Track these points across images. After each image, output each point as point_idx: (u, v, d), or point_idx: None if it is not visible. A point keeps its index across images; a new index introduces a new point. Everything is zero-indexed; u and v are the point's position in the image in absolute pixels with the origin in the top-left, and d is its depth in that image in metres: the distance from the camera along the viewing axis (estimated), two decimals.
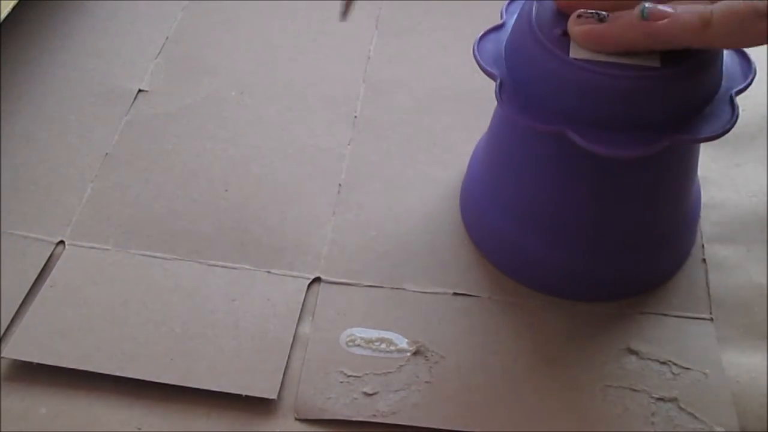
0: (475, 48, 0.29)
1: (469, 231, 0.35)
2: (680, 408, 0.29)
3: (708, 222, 0.35)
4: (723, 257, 0.34)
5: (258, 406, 0.29)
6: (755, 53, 0.29)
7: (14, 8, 0.41)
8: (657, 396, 0.29)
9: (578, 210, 0.31)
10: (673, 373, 0.30)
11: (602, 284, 0.32)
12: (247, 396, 0.29)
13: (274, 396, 0.29)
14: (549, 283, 0.33)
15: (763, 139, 0.39)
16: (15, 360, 0.30)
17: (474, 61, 0.29)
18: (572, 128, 0.26)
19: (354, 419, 0.29)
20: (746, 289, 0.33)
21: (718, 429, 0.29)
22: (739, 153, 0.38)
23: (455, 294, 0.33)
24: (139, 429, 0.29)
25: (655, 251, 0.32)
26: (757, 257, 0.34)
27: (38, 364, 0.30)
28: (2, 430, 0.29)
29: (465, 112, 0.40)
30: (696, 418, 0.29)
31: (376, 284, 0.33)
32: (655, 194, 0.30)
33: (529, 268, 0.33)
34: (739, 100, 0.31)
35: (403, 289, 0.33)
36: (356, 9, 0.45)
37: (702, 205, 0.35)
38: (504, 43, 0.30)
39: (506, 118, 0.30)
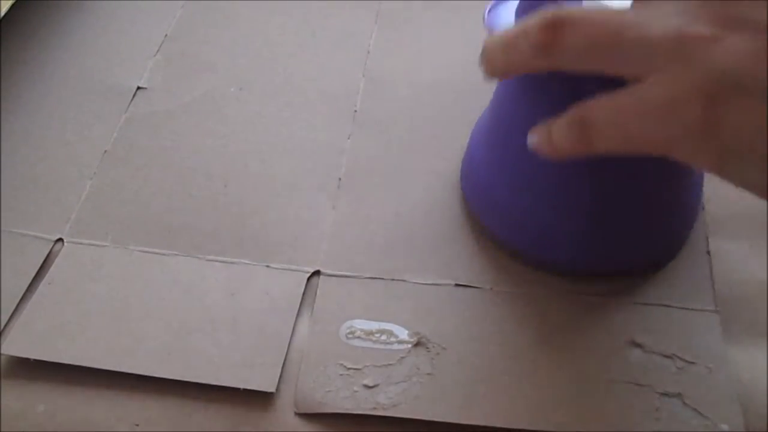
0: (485, 16, 0.29)
1: (471, 207, 0.34)
2: (684, 404, 0.29)
3: (710, 216, 0.35)
4: (725, 252, 0.33)
5: (257, 400, 0.29)
6: None
7: (13, 6, 0.41)
8: (661, 391, 0.29)
9: (582, 179, 0.30)
10: (677, 368, 0.30)
11: (606, 256, 0.32)
12: (246, 391, 0.29)
13: (272, 389, 0.29)
14: (555, 256, 0.32)
15: None
16: (12, 357, 0.30)
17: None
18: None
19: (354, 412, 0.28)
20: (749, 285, 0.32)
21: (723, 426, 0.28)
22: None
23: (457, 285, 0.32)
24: (137, 425, 0.29)
25: (658, 221, 0.32)
26: (759, 253, 0.33)
27: (36, 362, 0.30)
28: (1, 429, 0.28)
29: (465, 104, 0.40)
30: (700, 414, 0.28)
31: (377, 276, 0.33)
32: (658, 162, 0.30)
33: (535, 239, 0.32)
34: None
35: (404, 280, 0.32)
36: (356, 4, 0.45)
37: (705, 200, 0.34)
38: (513, 13, 0.29)
39: (509, 92, 0.29)
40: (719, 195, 0.36)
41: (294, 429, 0.29)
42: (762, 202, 0.35)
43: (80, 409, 0.29)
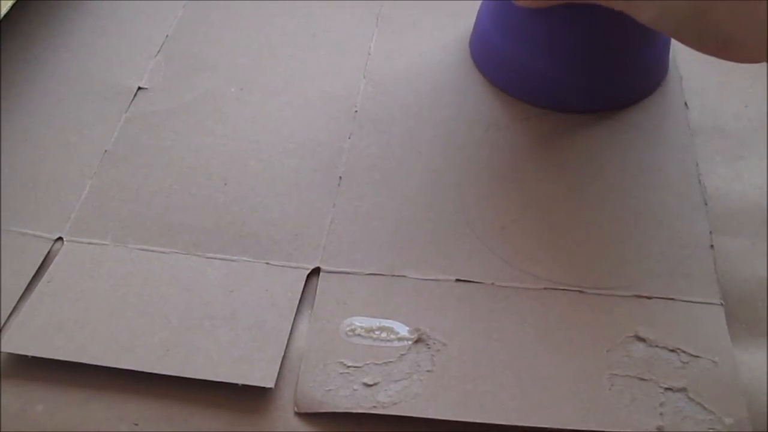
0: None
1: (479, 64, 0.42)
2: (689, 398, 0.28)
3: (713, 213, 0.34)
4: (728, 249, 0.33)
5: (257, 400, 0.29)
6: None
7: (13, 7, 0.41)
8: (666, 386, 0.29)
9: (570, 29, 0.37)
10: (682, 362, 0.29)
11: (592, 92, 0.39)
12: (246, 390, 0.29)
13: (271, 384, 0.28)
14: (543, 95, 0.39)
15: (765, 133, 0.38)
16: (11, 357, 0.30)
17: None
18: None
19: (354, 411, 0.28)
20: (751, 283, 0.32)
21: (728, 420, 0.28)
22: (743, 146, 0.38)
23: (458, 281, 0.32)
24: (136, 424, 0.28)
25: (635, 60, 0.39)
26: (761, 251, 0.33)
27: (34, 361, 0.29)
28: (1, 428, 0.28)
29: (466, 105, 0.40)
30: (705, 408, 0.28)
31: (377, 272, 0.32)
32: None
33: (532, 83, 0.39)
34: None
35: (405, 276, 0.32)
36: (357, 7, 0.45)
37: (707, 196, 0.35)
38: None
39: None
40: (721, 193, 0.35)
41: (294, 429, 0.28)
42: (763, 202, 0.35)
43: (79, 408, 0.29)
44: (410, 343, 0.30)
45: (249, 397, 0.29)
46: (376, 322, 0.31)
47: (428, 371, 0.29)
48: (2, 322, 0.31)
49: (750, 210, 0.35)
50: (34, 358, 0.29)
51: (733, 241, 0.33)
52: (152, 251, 0.33)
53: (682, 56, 0.42)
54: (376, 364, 0.29)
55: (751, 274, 0.32)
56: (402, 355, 0.30)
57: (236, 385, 0.29)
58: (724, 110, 0.39)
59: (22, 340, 0.30)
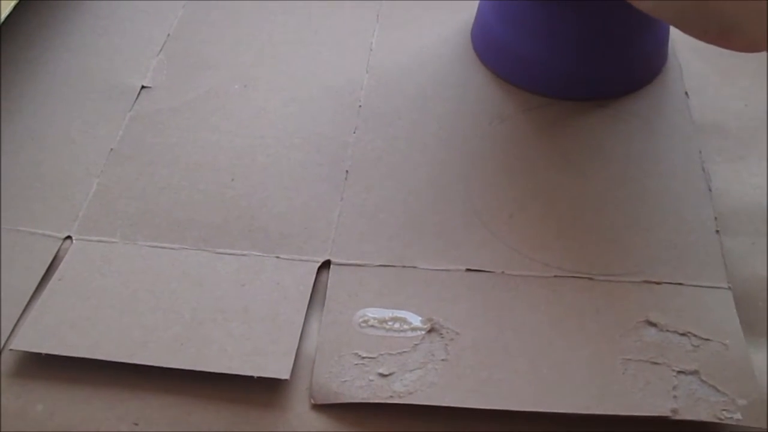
0: None
1: (480, 54, 0.42)
2: (702, 380, 0.29)
3: (714, 213, 0.35)
4: (728, 248, 0.33)
5: (271, 395, 0.29)
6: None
7: (14, 8, 0.41)
8: (678, 369, 0.29)
9: (571, 17, 0.38)
10: (693, 345, 0.30)
11: (593, 80, 0.39)
12: (258, 384, 0.28)
13: (286, 376, 0.28)
14: (544, 83, 0.39)
15: (765, 132, 0.38)
16: (11, 356, 0.30)
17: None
18: None
19: (371, 402, 0.28)
20: (751, 282, 0.32)
21: (741, 402, 0.28)
22: (744, 146, 0.38)
23: (468, 270, 0.32)
24: (136, 424, 0.28)
25: (635, 44, 0.39)
26: (761, 250, 0.33)
27: (34, 360, 0.29)
28: (0, 429, 0.28)
29: (469, 97, 0.40)
30: (718, 390, 0.28)
31: (387, 264, 0.32)
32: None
33: (533, 71, 0.39)
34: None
35: (415, 267, 0.32)
36: (356, 5, 0.46)
37: (709, 195, 0.35)
38: None
39: None
40: (721, 192, 0.36)
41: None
42: (763, 201, 0.35)
43: (79, 408, 0.29)
44: (423, 333, 0.30)
45: (262, 393, 0.29)
46: (388, 313, 0.31)
47: (443, 360, 0.29)
48: (15, 320, 0.31)
49: (750, 210, 0.35)
50: (33, 357, 0.29)
51: (733, 240, 0.34)
52: (162, 248, 0.33)
53: (683, 55, 0.42)
54: (391, 354, 0.29)
55: (752, 274, 0.32)
56: (416, 345, 0.30)
57: (240, 382, 0.29)
58: (724, 109, 0.40)
59: (35, 339, 0.30)
